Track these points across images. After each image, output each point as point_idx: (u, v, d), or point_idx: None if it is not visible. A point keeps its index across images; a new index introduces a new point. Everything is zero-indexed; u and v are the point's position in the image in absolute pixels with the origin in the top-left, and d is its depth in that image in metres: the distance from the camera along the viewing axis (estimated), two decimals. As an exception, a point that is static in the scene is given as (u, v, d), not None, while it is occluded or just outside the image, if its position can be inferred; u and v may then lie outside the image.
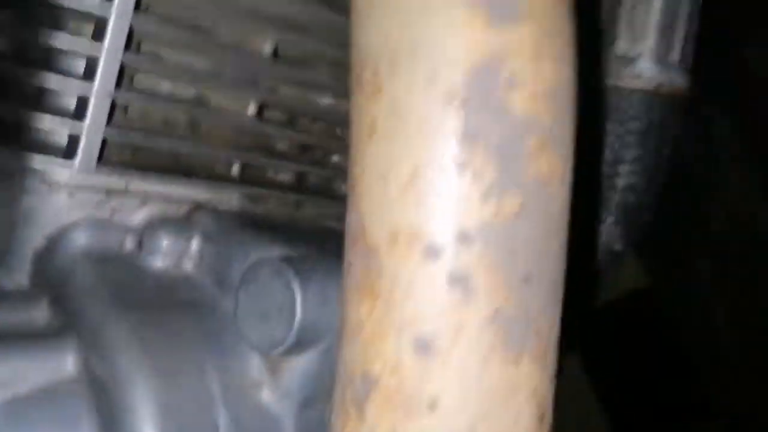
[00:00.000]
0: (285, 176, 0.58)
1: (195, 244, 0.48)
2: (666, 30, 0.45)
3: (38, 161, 0.44)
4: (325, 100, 0.60)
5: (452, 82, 0.26)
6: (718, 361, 2.43)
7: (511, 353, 0.26)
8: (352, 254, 0.28)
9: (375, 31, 0.29)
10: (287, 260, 0.42)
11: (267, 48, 0.54)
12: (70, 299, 0.42)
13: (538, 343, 0.27)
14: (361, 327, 0.27)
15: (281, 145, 0.59)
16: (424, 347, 0.26)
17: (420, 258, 0.26)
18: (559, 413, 0.30)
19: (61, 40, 0.43)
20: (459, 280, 0.26)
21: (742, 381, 2.39)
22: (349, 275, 0.28)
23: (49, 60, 0.45)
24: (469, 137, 0.26)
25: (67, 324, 0.41)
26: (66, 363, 0.40)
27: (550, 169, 0.26)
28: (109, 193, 0.47)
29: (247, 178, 0.55)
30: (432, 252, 0.26)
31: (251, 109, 0.55)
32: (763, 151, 2.38)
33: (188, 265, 0.48)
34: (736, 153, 2.37)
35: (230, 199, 0.53)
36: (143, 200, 0.49)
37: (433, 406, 0.26)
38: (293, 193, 0.58)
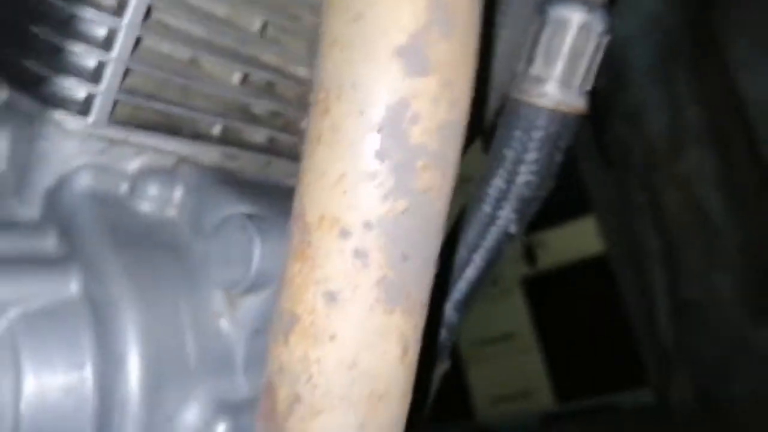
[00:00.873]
0: (258, 138, 0.69)
1: (178, 193, 0.60)
2: (573, 60, 0.56)
3: (58, 113, 0.54)
4: (301, 72, 0.71)
5: (374, 114, 0.38)
6: (654, 336, 2.61)
7: (388, 307, 0.39)
8: (293, 228, 0.40)
9: (331, 65, 0.40)
10: (251, 218, 0.54)
11: (256, 25, 0.64)
12: (74, 233, 0.54)
13: (408, 301, 0.40)
14: (292, 280, 0.40)
15: (258, 110, 0.69)
16: (331, 298, 0.39)
17: (336, 236, 0.39)
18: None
19: (85, 13, 0.52)
20: (360, 255, 0.38)
21: (673, 358, 2.59)
22: (290, 242, 0.40)
23: (74, 27, 0.54)
24: (379, 155, 0.38)
25: (72, 254, 0.53)
26: (69, 287, 0.52)
27: (432, 183, 0.39)
28: (112, 143, 0.58)
29: (225, 138, 0.66)
30: (345, 233, 0.38)
31: (236, 77, 0.65)
32: (723, 140, 2.51)
33: (171, 211, 0.59)
34: (700, 137, 2.49)
35: (210, 155, 0.65)
36: (138, 151, 0.60)
37: (332, 338, 0.39)
38: (264, 153, 0.69)
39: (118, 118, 0.58)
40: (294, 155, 0.73)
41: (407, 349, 0.40)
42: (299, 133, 0.73)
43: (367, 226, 0.39)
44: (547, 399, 3.32)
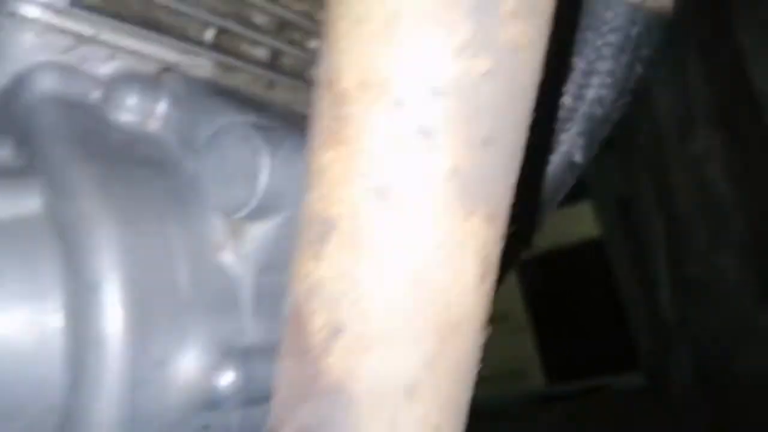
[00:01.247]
0: (260, 52, 0.58)
1: (162, 105, 0.49)
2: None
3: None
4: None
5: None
6: (654, 319, 2.55)
7: (463, 210, 0.28)
8: (322, 101, 0.29)
9: None
10: (256, 127, 0.42)
11: None
12: (34, 140, 0.43)
13: (490, 204, 0.28)
14: (324, 173, 0.29)
15: (259, 19, 0.58)
16: (383, 195, 0.28)
17: (388, 107, 0.27)
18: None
19: None
20: (424, 133, 0.27)
21: (673, 338, 2.52)
22: (317, 122, 0.29)
23: None
24: (451, -10, 0.27)
25: (32, 165, 0.42)
26: (29, 202, 0.41)
27: (523, 36, 0.28)
28: (79, 39, 0.47)
29: (220, 45, 0.55)
30: (400, 103, 0.27)
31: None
32: (732, 121, 2.44)
33: (154, 125, 0.48)
34: (709, 118, 2.42)
35: (202, 65, 0.53)
36: (112, 52, 0.49)
37: (384, 249, 0.28)
38: (267, 70, 0.58)
39: (85, 5, 0.46)
40: (302, 77, 0.62)
41: (488, 267, 0.29)
42: (307, 52, 0.62)
43: (434, 92, 0.27)
44: (539, 380, 3.26)
